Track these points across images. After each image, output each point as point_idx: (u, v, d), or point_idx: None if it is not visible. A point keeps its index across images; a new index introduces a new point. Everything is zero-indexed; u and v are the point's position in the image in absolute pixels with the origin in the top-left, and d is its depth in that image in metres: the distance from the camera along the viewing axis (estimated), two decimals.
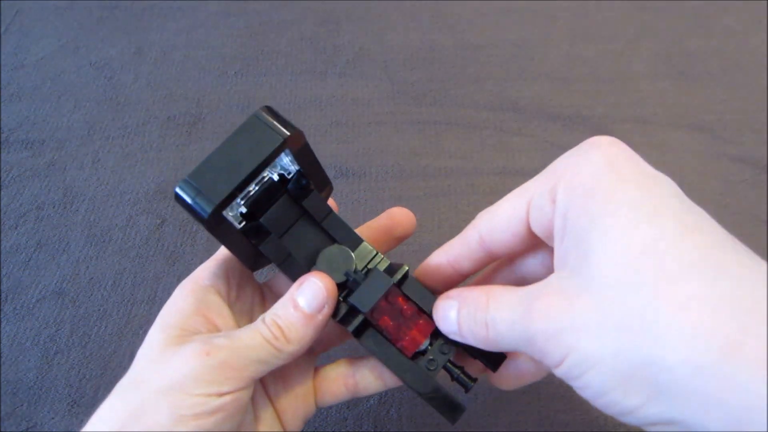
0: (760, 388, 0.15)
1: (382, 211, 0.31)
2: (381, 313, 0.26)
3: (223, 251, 0.28)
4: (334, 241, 0.27)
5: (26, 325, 0.41)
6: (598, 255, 0.18)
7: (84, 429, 0.22)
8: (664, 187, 0.19)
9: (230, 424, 0.22)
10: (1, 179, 0.50)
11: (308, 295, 0.24)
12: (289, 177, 0.27)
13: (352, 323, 0.25)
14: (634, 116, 0.52)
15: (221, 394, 0.22)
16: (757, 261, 0.17)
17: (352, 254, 0.27)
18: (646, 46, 0.58)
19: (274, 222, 0.27)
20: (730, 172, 0.48)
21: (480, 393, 0.37)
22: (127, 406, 0.21)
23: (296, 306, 0.24)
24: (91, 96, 0.56)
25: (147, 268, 0.43)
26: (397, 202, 0.46)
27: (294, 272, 0.26)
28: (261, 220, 0.26)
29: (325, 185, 0.29)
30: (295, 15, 0.63)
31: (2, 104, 0.55)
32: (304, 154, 0.26)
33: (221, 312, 0.25)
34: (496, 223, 0.23)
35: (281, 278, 0.29)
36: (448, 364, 0.27)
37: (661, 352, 0.16)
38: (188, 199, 0.23)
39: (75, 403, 0.37)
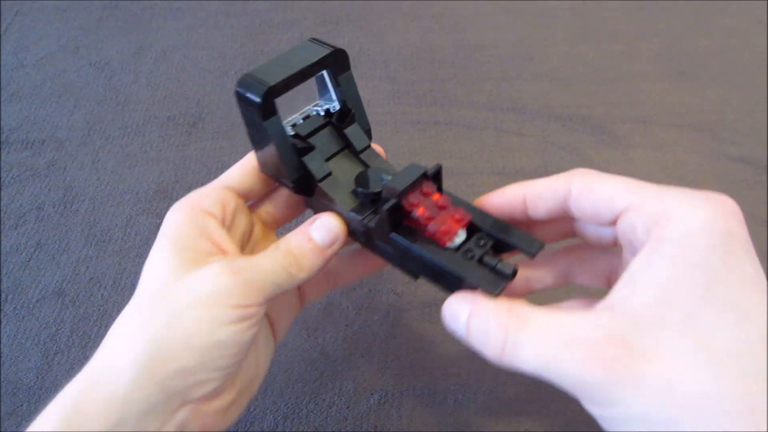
0: None
1: None
2: (415, 200, 0.26)
3: (219, 181, 0.29)
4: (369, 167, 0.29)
5: (26, 325, 0.41)
6: (682, 334, 0.19)
7: (111, 342, 0.24)
8: (763, 283, 0.20)
9: (251, 332, 0.25)
10: (1, 179, 0.50)
11: (322, 231, 0.27)
12: (334, 112, 0.29)
13: (385, 206, 0.25)
14: (634, 116, 0.52)
15: (248, 307, 0.24)
16: None
17: (392, 172, 0.28)
18: (646, 46, 0.58)
19: (319, 143, 0.28)
20: (730, 172, 0.48)
21: (480, 393, 0.37)
22: (157, 317, 0.23)
23: (310, 239, 0.26)
24: (91, 96, 0.56)
25: None
26: None
27: (333, 190, 0.27)
28: (308, 140, 0.28)
29: (365, 123, 0.30)
30: (295, 15, 0.63)
31: (2, 104, 0.55)
32: (348, 83, 0.29)
33: (222, 237, 0.27)
34: (593, 196, 0.23)
35: (275, 207, 0.31)
36: (485, 256, 0.25)
37: (701, 425, 0.17)
38: (243, 90, 0.25)
39: None
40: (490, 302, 0.23)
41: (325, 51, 0.27)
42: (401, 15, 0.62)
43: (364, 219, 0.26)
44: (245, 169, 0.29)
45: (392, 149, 0.50)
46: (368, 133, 0.31)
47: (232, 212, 0.28)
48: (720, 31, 0.60)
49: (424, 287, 0.42)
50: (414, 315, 0.41)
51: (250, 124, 0.27)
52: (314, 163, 0.28)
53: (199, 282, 0.24)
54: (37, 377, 0.38)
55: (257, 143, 0.28)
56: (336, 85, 0.29)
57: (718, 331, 0.18)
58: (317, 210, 0.30)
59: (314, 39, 0.28)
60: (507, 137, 0.51)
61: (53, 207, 0.47)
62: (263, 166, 0.29)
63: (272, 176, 0.29)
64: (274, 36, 0.61)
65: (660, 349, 0.19)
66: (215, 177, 0.49)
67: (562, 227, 0.27)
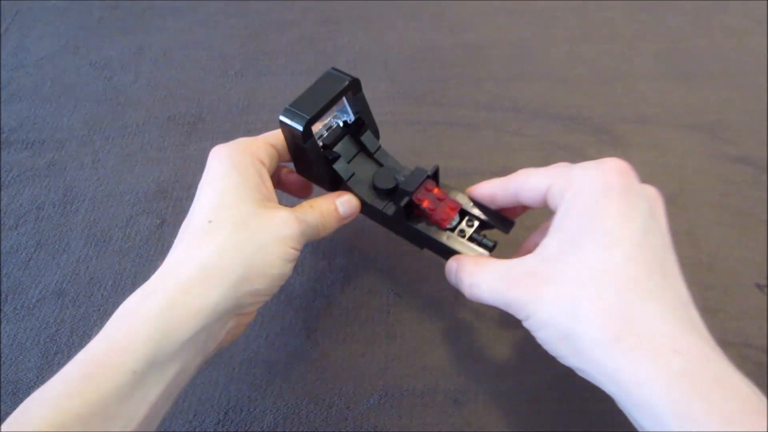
0: (626, 364, 0.24)
1: None
2: (422, 196, 0.34)
3: (264, 137, 0.35)
4: (382, 166, 0.37)
5: (26, 325, 0.41)
6: (568, 261, 0.27)
7: (200, 253, 0.29)
8: (639, 217, 0.26)
9: (292, 268, 0.32)
10: (1, 179, 0.50)
11: (345, 206, 0.35)
12: (350, 123, 0.37)
13: (401, 203, 0.34)
14: (634, 116, 0.52)
15: (299, 250, 0.32)
16: (676, 282, 0.26)
17: (401, 170, 0.36)
18: (646, 46, 0.58)
19: (342, 150, 0.37)
20: (730, 172, 0.48)
21: (480, 393, 0.37)
22: (245, 247, 0.29)
23: (336, 209, 0.35)
24: (91, 96, 0.56)
25: (147, 268, 0.43)
26: None
27: (356, 187, 0.36)
28: (334, 148, 0.37)
29: (375, 130, 0.39)
30: (295, 15, 0.63)
31: (2, 104, 0.55)
32: (361, 101, 0.36)
33: (270, 185, 0.33)
34: (527, 186, 0.31)
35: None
36: (473, 233, 0.34)
37: (578, 327, 0.25)
38: (288, 120, 0.32)
39: None
40: (466, 258, 0.32)
41: (345, 81, 0.34)
42: (401, 15, 0.62)
43: (384, 208, 0.36)
44: (278, 136, 0.35)
45: (392, 149, 0.49)
46: (377, 134, 0.39)
47: (271, 166, 0.35)
48: (720, 31, 0.60)
49: (424, 289, 0.42)
50: (414, 315, 0.41)
51: (291, 144, 0.35)
52: (341, 168, 0.36)
53: (276, 224, 0.30)
54: (37, 377, 0.38)
55: (297, 158, 0.36)
56: (351, 103, 0.36)
57: (593, 255, 0.26)
58: None
59: (335, 69, 0.35)
60: (507, 137, 0.51)
61: (53, 207, 0.47)
62: (301, 171, 0.38)
63: (308, 178, 0.38)
64: (274, 36, 0.61)
65: (555, 275, 0.27)
66: None
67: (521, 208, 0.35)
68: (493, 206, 0.35)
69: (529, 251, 0.29)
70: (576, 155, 0.49)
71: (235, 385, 0.38)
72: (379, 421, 0.36)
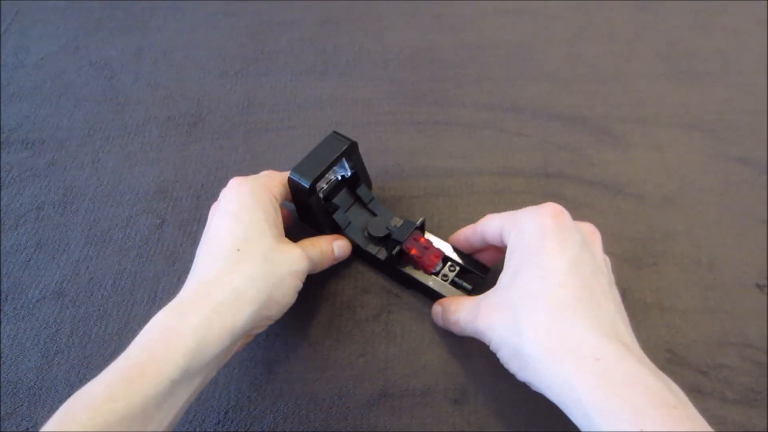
0: (559, 372, 0.28)
1: None
2: (410, 245, 0.39)
3: (282, 178, 0.39)
4: (375, 215, 0.43)
5: (26, 325, 0.41)
6: (513, 290, 0.31)
7: (233, 279, 0.32)
8: (570, 250, 0.31)
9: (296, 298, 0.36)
10: (1, 179, 0.50)
11: (340, 249, 0.40)
12: (347, 177, 0.43)
13: (393, 251, 0.39)
14: (634, 116, 0.52)
15: (303, 282, 0.36)
16: (604, 301, 0.30)
17: (391, 219, 0.42)
18: (646, 46, 0.58)
19: (339, 201, 0.43)
20: (730, 172, 0.48)
21: (480, 392, 0.37)
22: (270, 278, 0.33)
23: (333, 250, 0.40)
24: (91, 96, 0.56)
25: (147, 268, 0.43)
26: (398, 202, 0.46)
27: (352, 233, 0.41)
28: (333, 200, 0.42)
29: (369, 182, 0.44)
30: (295, 15, 0.63)
31: (2, 104, 0.55)
32: (357, 159, 0.42)
33: (281, 222, 0.37)
34: (488, 228, 0.37)
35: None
36: (454, 277, 0.40)
37: (522, 345, 0.29)
38: (296, 178, 0.38)
39: None
40: (447, 301, 0.38)
41: (345, 145, 0.39)
42: (401, 15, 0.62)
43: (377, 253, 0.41)
44: (284, 175, 0.39)
45: (392, 149, 0.50)
46: (370, 186, 0.45)
47: (281, 203, 0.39)
48: (720, 31, 0.60)
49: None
50: (413, 315, 0.41)
51: (297, 198, 0.40)
52: (340, 218, 0.41)
53: (292, 260, 0.35)
54: (37, 377, 0.38)
55: (301, 210, 0.42)
56: (349, 160, 0.41)
57: (531, 285, 0.30)
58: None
59: (336, 133, 0.40)
60: (507, 137, 0.51)
61: (53, 207, 0.47)
62: (303, 219, 0.43)
63: (309, 225, 0.44)
64: (274, 36, 0.61)
65: (504, 302, 0.32)
66: (215, 177, 0.49)
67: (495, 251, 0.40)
68: (470, 249, 0.40)
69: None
70: (576, 155, 0.49)
71: (235, 385, 0.38)
72: (379, 421, 0.36)
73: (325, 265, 0.39)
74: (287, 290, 0.34)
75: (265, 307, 0.33)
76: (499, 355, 0.32)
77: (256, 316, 0.32)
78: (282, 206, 0.40)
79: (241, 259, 0.33)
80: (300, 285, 0.36)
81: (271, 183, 0.38)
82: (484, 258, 0.40)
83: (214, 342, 0.30)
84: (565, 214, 0.33)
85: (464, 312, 0.35)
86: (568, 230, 0.32)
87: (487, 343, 0.32)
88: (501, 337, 0.31)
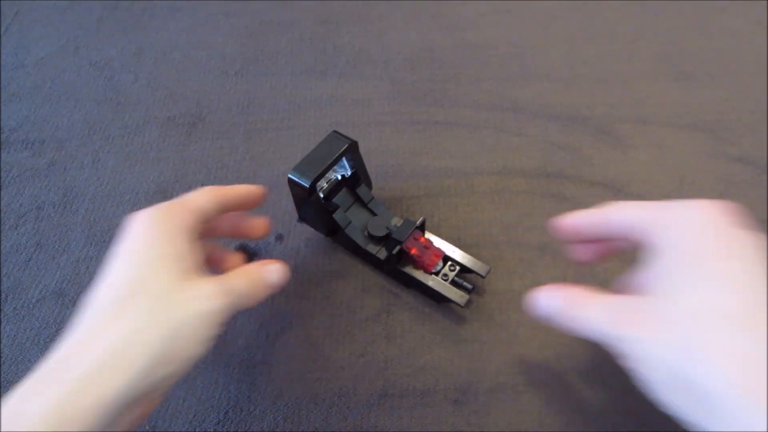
0: (758, 417, 0.21)
1: None
2: (410, 244, 0.39)
3: (191, 200, 0.32)
4: (375, 215, 0.43)
5: (26, 325, 0.41)
6: (680, 301, 0.25)
7: (113, 336, 0.26)
8: (749, 259, 0.26)
9: (210, 348, 0.28)
10: (1, 179, 0.50)
11: (278, 272, 0.33)
12: (347, 177, 0.43)
13: (393, 250, 0.39)
14: (634, 116, 0.52)
15: (225, 325, 0.29)
16: None
17: (391, 219, 0.42)
18: (646, 46, 0.58)
19: (339, 201, 0.42)
20: (730, 172, 0.48)
21: (480, 393, 0.37)
22: (161, 328, 0.26)
23: (265, 278, 0.32)
24: (91, 96, 0.56)
25: None
26: (398, 202, 0.46)
27: (352, 233, 0.41)
28: (333, 199, 0.42)
29: (369, 182, 0.44)
30: (295, 15, 0.63)
31: (2, 104, 0.55)
32: (357, 158, 0.41)
33: (200, 251, 0.31)
34: (617, 218, 0.30)
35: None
36: (455, 277, 0.40)
37: (697, 376, 0.23)
38: (296, 178, 0.37)
39: None
40: (580, 292, 0.29)
41: (345, 144, 0.39)
42: (401, 15, 0.62)
43: (377, 252, 0.41)
44: (210, 195, 0.33)
45: (392, 149, 0.50)
46: (370, 186, 0.44)
47: (199, 229, 0.32)
48: (720, 31, 0.60)
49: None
50: (413, 315, 0.41)
51: (297, 197, 0.40)
52: (340, 217, 0.41)
53: (199, 299, 0.28)
54: None
55: (302, 209, 0.41)
56: (349, 160, 0.41)
57: (713, 298, 0.24)
58: (341, 242, 0.44)
59: (336, 132, 0.40)
60: (507, 137, 0.51)
61: (53, 207, 0.47)
62: (303, 218, 0.43)
63: (309, 224, 0.43)
64: (274, 36, 0.61)
65: (662, 314, 0.25)
66: (215, 177, 0.49)
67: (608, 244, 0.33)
68: (577, 238, 0.33)
69: (622, 292, 0.28)
70: (576, 155, 0.49)
71: (235, 385, 0.38)
72: (379, 421, 0.36)
73: (260, 296, 0.32)
74: (191, 338, 0.27)
75: (158, 364, 0.26)
76: (641, 374, 0.25)
77: (146, 377, 0.25)
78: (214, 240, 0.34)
79: (126, 306, 0.26)
80: (213, 330, 0.28)
81: (180, 208, 0.31)
82: (584, 252, 0.34)
83: (81, 421, 0.23)
84: (737, 213, 0.28)
85: (601, 309, 0.28)
86: (742, 235, 0.27)
87: (618, 355, 0.26)
88: (653, 356, 0.25)
